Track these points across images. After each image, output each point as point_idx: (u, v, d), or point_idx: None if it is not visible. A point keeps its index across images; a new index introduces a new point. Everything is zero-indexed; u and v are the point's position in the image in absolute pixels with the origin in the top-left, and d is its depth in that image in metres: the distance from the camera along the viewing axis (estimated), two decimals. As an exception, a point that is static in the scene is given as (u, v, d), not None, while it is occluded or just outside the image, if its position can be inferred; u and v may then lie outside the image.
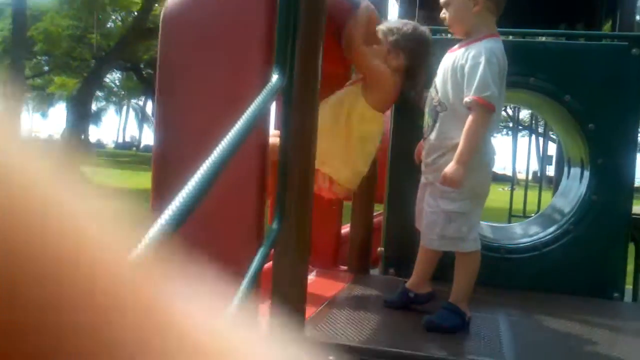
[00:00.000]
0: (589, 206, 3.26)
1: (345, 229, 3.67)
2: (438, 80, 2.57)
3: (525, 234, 3.67)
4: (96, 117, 61.04)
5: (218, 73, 2.11)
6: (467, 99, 2.38)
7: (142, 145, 54.08)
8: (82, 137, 32.64)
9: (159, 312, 0.22)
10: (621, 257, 3.24)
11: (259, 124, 1.60)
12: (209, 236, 2.09)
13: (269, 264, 2.06)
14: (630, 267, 3.46)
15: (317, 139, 2.11)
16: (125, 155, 44.89)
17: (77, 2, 25.44)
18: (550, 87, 3.28)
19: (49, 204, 0.20)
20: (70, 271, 0.20)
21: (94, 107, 48.71)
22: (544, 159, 11.36)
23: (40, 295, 0.19)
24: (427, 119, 2.62)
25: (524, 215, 7.67)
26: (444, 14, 2.59)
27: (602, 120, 3.23)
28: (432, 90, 2.60)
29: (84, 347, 0.19)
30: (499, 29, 3.17)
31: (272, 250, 1.90)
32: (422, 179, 2.67)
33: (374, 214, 3.62)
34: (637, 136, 3.32)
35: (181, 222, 1.03)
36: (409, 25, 2.93)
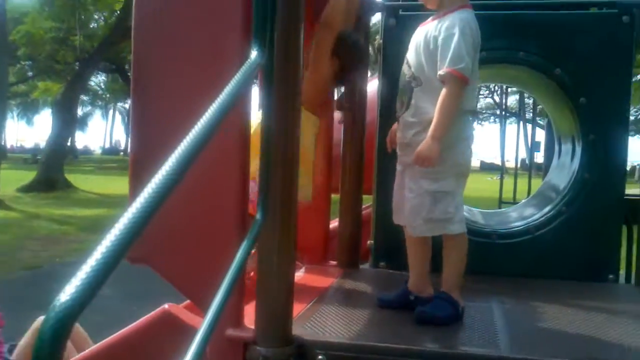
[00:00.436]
0: (581, 185, 3.18)
1: (334, 223, 3.58)
2: (410, 55, 2.49)
3: (517, 217, 3.59)
4: (82, 122, 60.98)
5: (194, 56, 2.02)
6: (440, 72, 2.30)
7: (129, 150, 53.98)
8: (69, 143, 32.47)
9: None
10: (615, 238, 3.17)
11: (238, 103, 1.50)
12: (189, 226, 2.00)
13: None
14: (623, 250, 3.38)
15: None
16: (112, 160, 44.86)
17: (58, 2, 25.19)
18: (540, 61, 3.20)
19: None
20: None
21: (79, 112, 48.58)
22: (532, 145, 11.31)
23: None
24: (400, 97, 2.53)
25: (514, 202, 7.63)
26: None
27: (594, 93, 3.15)
28: (404, 67, 2.52)
29: None
30: (483, 1, 3.08)
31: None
32: (398, 166, 2.59)
33: (363, 207, 3.53)
34: (629, 110, 3.22)
35: (151, 213, 0.93)
36: (352, 34, 2.98)
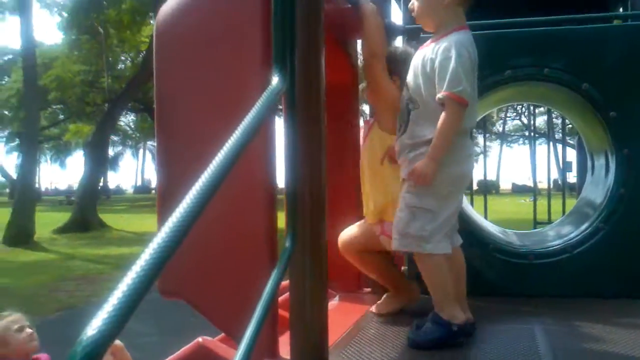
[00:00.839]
0: (618, 201, 3.10)
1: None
2: (409, 78, 2.48)
3: (554, 236, 3.51)
4: (114, 162, 61.88)
5: (215, 87, 2.02)
6: (439, 95, 2.29)
7: (158, 186, 54.61)
8: (101, 183, 32.95)
9: None
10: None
11: (261, 130, 1.48)
12: (219, 257, 1.98)
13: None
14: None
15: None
16: (144, 199, 45.35)
17: (86, 46, 25.78)
18: (566, 77, 3.15)
19: None
20: None
21: (110, 152, 49.34)
22: (564, 165, 11.16)
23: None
24: (399, 120, 2.53)
25: (549, 222, 7.50)
26: (412, 4, 2.51)
27: (623, 107, 3.08)
28: (404, 90, 2.51)
29: None
30: (506, 20, 3.06)
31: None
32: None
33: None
34: (661, 124, 3.15)
35: (176, 243, 0.91)
36: (393, 48, 2.98)
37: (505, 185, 61.32)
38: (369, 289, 3.39)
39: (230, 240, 1.97)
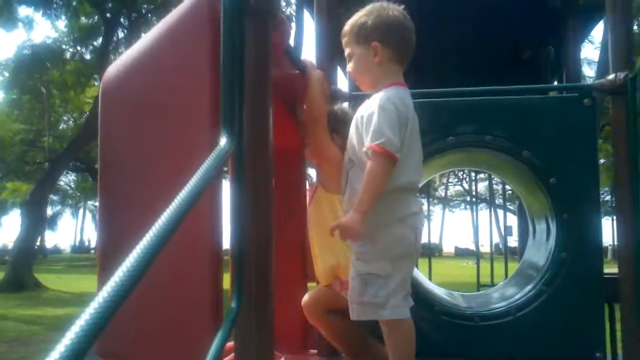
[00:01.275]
0: (559, 264, 3.16)
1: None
2: (348, 139, 2.51)
3: (498, 298, 3.54)
4: (52, 221, 60.37)
5: (161, 147, 2.01)
6: (364, 149, 2.29)
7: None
8: (38, 243, 31.97)
9: None
10: (599, 316, 3.12)
11: (209, 191, 1.47)
12: (161, 318, 1.93)
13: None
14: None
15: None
16: (82, 259, 44.13)
17: (27, 105, 25.41)
18: (508, 144, 3.23)
19: None
20: None
21: (49, 211, 48.15)
22: (505, 229, 11.40)
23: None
24: (342, 181, 2.53)
25: (492, 284, 7.58)
26: (349, 66, 2.56)
27: (562, 174, 3.18)
28: (345, 152, 2.54)
29: None
30: (450, 89, 3.15)
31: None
32: None
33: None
34: (598, 191, 3.25)
35: (120, 303, 0.89)
36: (333, 107, 3.01)
37: (448, 248, 62.17)
38: (314, 351, 3.33)
39: (174, 300, 1.92)
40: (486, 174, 9.44)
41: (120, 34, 22.77)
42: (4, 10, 18.38)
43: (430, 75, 4.28)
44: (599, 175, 3.24)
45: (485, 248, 16.28)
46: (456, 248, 59.01)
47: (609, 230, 22.47)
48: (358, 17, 2.50)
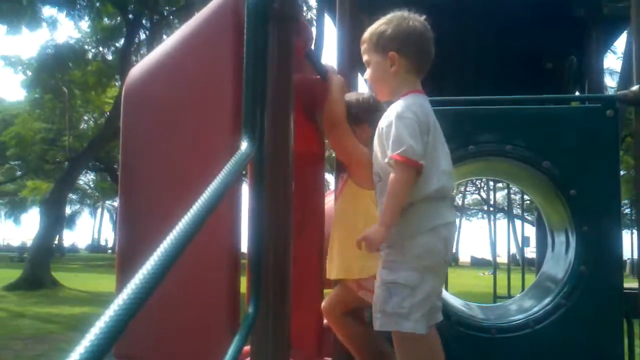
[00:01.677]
0: (578, 277, 3.13)
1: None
2: (373, 153, 2.47)
3: (516, 310, 3.51)
4: (70, 220, 60.88)
5: (183, 150, 2.01)
6: (386, 160, 2.26)
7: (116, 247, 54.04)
8: (56, 241, 32.22)
9: None
10: (618, 330, 3.08)
11: (229, 195, 1.47)
12: (179, 321, 1.93)
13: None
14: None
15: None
16: (99, 258, 44.44)
17: (49, 104, 25.65)
18: (528, 154, 3.21)
19: None
20: None
21: (67, 210, 48.54)
22: (523, 240, 11.32)
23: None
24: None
25: (509, 296, 7.52)
26: (366, 74, 2.54)
27: (583, 185, 3.15)
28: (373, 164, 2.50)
29: None
30: (471, 97, 3.12)
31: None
32: None
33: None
34: (619, 203, 3.21)
35: (136, 308, 0.89)
36: (364, 95, 2.95)
37: (464, 257, 61.79)
38: (329, 359, 3.31)
39: (192, 304, 1.92)
40: (504, 183, 9.38)
41: (142, 36, 22.95)
42: (28, 10, 18.52)
43: (451, 83, 4.27)
44: (620, 187, 3.20)
45: (501, 258, 16.13)
46: (472, 258, 58.65)
47: (627, 244, 22.21)
48: (378, 25, 2.48)
